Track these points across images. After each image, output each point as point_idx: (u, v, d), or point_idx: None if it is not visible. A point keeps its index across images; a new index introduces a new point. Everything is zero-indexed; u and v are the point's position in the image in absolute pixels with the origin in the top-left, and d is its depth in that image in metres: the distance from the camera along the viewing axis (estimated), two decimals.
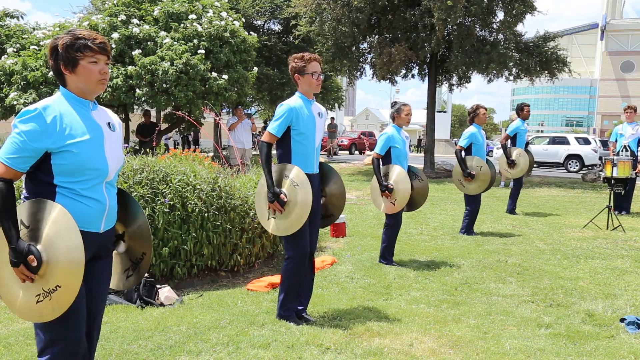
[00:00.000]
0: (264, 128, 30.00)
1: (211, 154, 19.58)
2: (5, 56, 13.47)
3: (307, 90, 4.19)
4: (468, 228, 8.00)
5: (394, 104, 6.25)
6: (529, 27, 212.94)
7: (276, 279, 5.22)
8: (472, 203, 7.95)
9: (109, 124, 2.58)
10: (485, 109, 8.07)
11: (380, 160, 6.12)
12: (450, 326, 4.24)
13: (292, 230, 4.04)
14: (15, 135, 2.33)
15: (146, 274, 4.79)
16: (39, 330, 2.43)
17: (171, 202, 5.08)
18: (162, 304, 4.67)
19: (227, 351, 3.70)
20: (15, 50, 13.84)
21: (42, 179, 2.40)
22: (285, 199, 4.02)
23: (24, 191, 2.46)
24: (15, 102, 12.62)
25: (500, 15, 17.21)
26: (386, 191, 5.94)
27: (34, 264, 2.30)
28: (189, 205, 5.17)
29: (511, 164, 9.46)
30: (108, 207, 2.52)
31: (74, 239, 2.30)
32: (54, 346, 2.41)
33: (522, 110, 9.82)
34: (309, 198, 3.97)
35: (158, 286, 4.81)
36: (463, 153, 7.85)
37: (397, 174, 5.97)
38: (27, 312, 2.37)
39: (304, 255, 4.20)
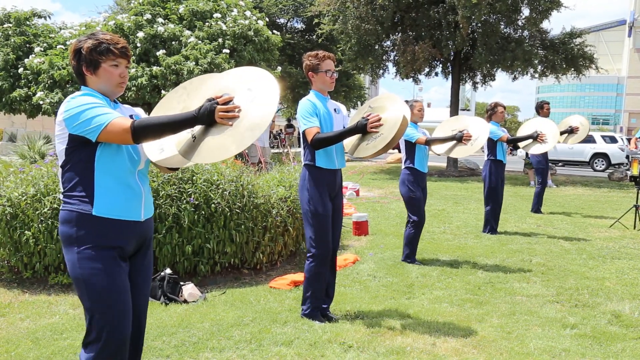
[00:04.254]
0: (288, 127, 30.03)
1: None
2: (33, 55, 13.70)
3: (321, 88, 4.21)
4: (491, 227, 7.91)
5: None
6: (555, 24, 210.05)
7: (298, 276, 5.23)
8: (492, 201, 7.84)
9: (131, 116, 2.66)
10: (504, 107, 7.95)
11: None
12: (474, 326, 4.21)
13: (391, 135, 4.00)
14: (83, 111, 2.38)
15: (170, 271, 4.84)
16: (90, 327, 2.47)
17: (196, 202, 5.12)
18: (185, 301, 4.71)
19: (250, 348, 3.72)
20: (42, 49, 14.06)
21: (80, 174, 2.45)
22: (372, 115, 4.04)
23: (62, 191, 2.49)
24: (41, 102, 12.84)
25: (526, 11, 16.98)
26: (461, 138, 6.04)
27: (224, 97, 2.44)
28: (213, 204, 5.20)
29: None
30: (144, 195, 2.60)
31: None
32: (100, 342, 2.45)
33: (541, 109, 9.59)
34: (392, 115, 4.04)
35: (182, 283, 4.85)
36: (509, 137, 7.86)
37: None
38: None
39: (328, 252, 4.21)
